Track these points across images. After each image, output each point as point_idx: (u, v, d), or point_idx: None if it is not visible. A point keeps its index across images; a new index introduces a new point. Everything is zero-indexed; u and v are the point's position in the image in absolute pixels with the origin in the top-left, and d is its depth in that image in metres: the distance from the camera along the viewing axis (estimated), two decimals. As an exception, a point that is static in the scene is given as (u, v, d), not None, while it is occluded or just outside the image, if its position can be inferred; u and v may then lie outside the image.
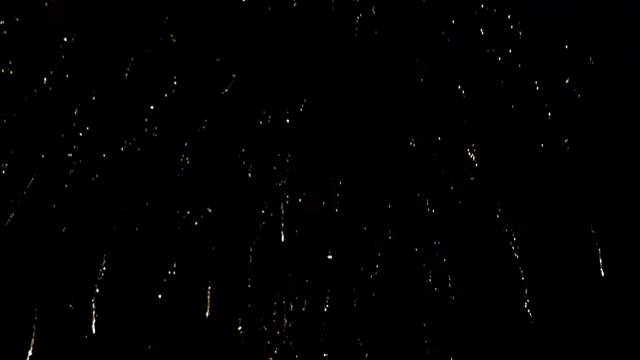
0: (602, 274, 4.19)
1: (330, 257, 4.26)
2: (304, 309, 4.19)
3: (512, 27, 4.81)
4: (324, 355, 4.13)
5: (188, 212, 4.32)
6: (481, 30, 4.81)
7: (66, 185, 4.35)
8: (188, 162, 4.44)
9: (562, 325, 4.11)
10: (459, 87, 4.64)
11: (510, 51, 4.75)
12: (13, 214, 4.26)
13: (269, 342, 4.15)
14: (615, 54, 4.73)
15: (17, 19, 4.61)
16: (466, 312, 4.17)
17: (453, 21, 4.82)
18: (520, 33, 4.79)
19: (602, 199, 4.34)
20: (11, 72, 4.53)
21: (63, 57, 4.59)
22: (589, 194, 4.36)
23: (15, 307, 4.16)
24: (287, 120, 4.56)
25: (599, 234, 4.25)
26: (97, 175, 4.37)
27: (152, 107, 4.52)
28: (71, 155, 4.40)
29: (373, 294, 4.21)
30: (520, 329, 4.13)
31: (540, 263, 4.24)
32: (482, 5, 4.84)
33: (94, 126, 4.48)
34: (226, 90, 4.53)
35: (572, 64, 4.71)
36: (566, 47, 4.73)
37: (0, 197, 4.31)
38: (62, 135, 4.44)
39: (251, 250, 4.28)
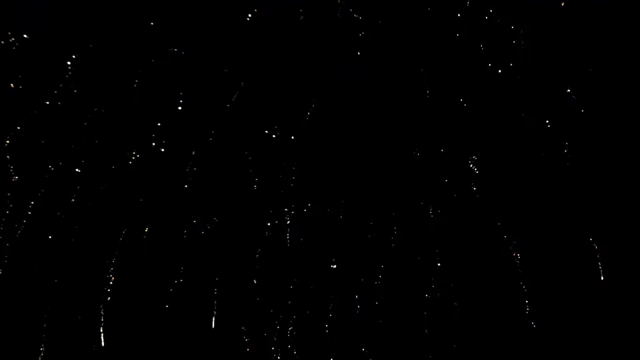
0: (602, 277, 4.24)
1: (334, 266, 4.32)
2: (308, 317, 4.25)
3: (514, 35, 4.86)
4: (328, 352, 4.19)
5: (194, 221, 4.39)
6: (484, 39, 4.86)
7: (74, 197, 4.42)
8: (195, 170, 4.50)
9: (563, 330, 4.16)
10: (461, 95, 4.70)
11: (511, 59, 4.80)
12: (22, 224, 4.33)
13: (273, 349, 4.21)
14: (614, 60, 4.78)
15: (23, 32, 4.69)
16: (468, 320, 4.22)
17: (456, 29, 4.87)
18: (522, 42, 4.84)
19: (601, 204, 4.39)
20: (20, 87, 4.60)
21: (71, 67, 4.66)
22: (588, 199, 4.41)
23: (23, 318, 4.22)
24: (293, 128, 4.62)
25: (598, 239, 4.31)
26: (104, 185, 4.43)
27: (159, 116, 4.59)
28: (79, 166, 4.46)
29: (376, 302, 4.27)
30: (522, 334, 4.18)
31: (540, 270, 4.29)
32: (485, 14, 4.89)
33: (101, 136, 4.54)
34: (234, 99, 4.59)
35: (572, 72, 4.76)
36: (566, 54, 4.78)
37: (10, 208, 4.37)
38: (70, 146, 4.50)
39: (256, 257, 4.35)
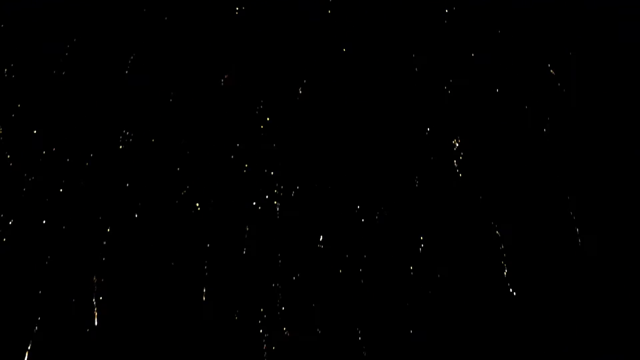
0: (579, 242, 4.35)
1: (321, 245, 4.41)
2: (297, 294, 4.34)
3: (499, 24, 4.95)
4: (317, 331, 4.27)
5: (184, 201, 4.47)
6: (469, 24, 4.95)
7: (65, 180, 4.51)
8: (187, 153, 4.59)
9: (544, 302, 4.25)
10: (446, 84, 4.79)
11: (495, 48, 4.89)
12: (14, 209, 4.42)
13: (262, 326, 4.29)
14: (596, 51, 4.88)
15: (16, 20, 4.78)
16: (451, 299, 4.31)
17: (443, 14, 4.96)
18: (506, 30, 4.93)
19: (580, 183, 4.50)
20: (13, 76, 4.70)
21: (61, 53, 4.75)
22: (566, 176, 4.51)
23: (15, 302, 4.29)
24: (282, 114, 4.71)
25: (578, 215, 4.41)
26: (93, 170, 4.52)
27: (149, 102, 4.68)
28: (68, 151, 4.55)
29: (362, 280, 4.36)
30: (504, 310, 4.27)
31: (522, 244, 4.38)
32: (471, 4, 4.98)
33: (89, 123, 4.63)
34: (224, 79, 4.68)
35: (557, 62, 4.85)
36: (550, 43, 4.88)
37: (1, 195, 4.46)
38: (57, 133, 4.60)
39: (245, 236, 4.44)
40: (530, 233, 4.41)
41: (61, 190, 4.47)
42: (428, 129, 4.67)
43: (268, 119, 4.70)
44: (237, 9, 4.96)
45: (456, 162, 4.59)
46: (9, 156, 4.51)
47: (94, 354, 4.22)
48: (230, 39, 4.89)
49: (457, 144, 4.61)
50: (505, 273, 4.33)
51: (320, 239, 4.42)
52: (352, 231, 4.45)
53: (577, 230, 4.38)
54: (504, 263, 4.34)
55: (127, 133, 4.61)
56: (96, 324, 4.27)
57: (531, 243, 4.39)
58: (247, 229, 4.45)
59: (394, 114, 4.73)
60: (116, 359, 4.19)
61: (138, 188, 4.50)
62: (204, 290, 4.32)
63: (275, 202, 4.52)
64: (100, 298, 4.28)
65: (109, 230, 4.41)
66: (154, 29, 4.86)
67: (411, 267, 4.37)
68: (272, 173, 4.58)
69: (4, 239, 4.37)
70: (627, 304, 4.21)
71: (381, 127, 4.69)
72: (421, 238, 4.42)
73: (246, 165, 4.60)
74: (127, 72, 4.73)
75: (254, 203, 4.52)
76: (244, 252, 4.41)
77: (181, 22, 4.90)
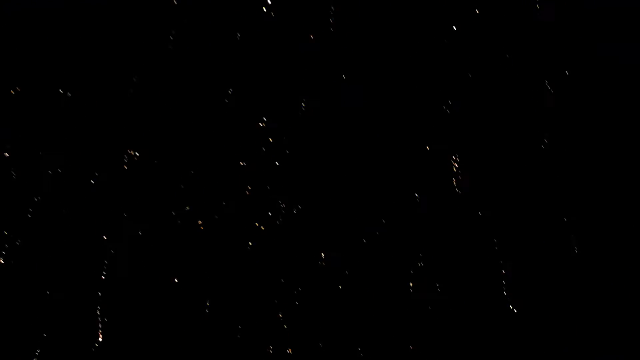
0: (576, 250, 4.39)
1: (322, 260, 4.47)
2: (298, 308, 4.39)
3: (496, 28, 5.01)
4: (319, 344, 4.31)
5: (188, 214, 4.54)
6: (470, 40, 5.02)
7: (71, 196, 4.58)
8: (192, 169, 4.66)
9: (543, 314, 4.30)
10: (446, 89, 4.85)
11: (493, 52, 4.96)
12: (21, 222, 4.48)
13: (264, 339, 4.34)
14: (593, 55, 4.92)
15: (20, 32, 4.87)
16: (451, 311, 4.36)
17: (444, 33, 5.02)
18: (505, 34, 4.99)
19: (578, 191, 4.55)
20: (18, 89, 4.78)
21: (65, 61, 4.82)
22: (564, 186, 4.57)
23: (21, 315, 4.34)
24: (285, 124, 4.76)
25: (574, 223, 4.46)
26: (99, 181, 4.59)
27: (155, 117, 4.75)
28: (73, 162, 4.62)
29: (362, 297, 4.41)
30: (504, 310, 4.31)
31: (519, 256, 4.43)
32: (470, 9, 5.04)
33: (96, 132, 4.70)
34: (229, 92, 4.74)
35: (553, 65, 4.91)
36: (547, 47, 4.93)
37: (6, 204, 4.53)
38: (63, 141, 4.66)
39: (248, 248, 4.49)
40: (529, 234, 4.44)
41: (64, 211, 4.54)
42: (427, 147, 4.74)
43: (270, 139, 4.77)
44: (237, 29, 5.03)
45: (455, 180, 4.66)
46: (9, 157, 4.57)
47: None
48: (232, 58, 4.96)
49: (456, 163, 4.68)
50: (504, 273, 4.36)
51: (322, 256, 4.49)
52: (353, 249, 4.51)
53: (576, 233, 4.42)
54: (503, 263, 4.38)
55: (133, 153, 4.68)
56: (100, 339, 4.32)
57: (530, 244, 4.42)
58: (250, 244, 4.52)
59: (394, 133, 4.80)
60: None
61: (142, 206, 4.57)
62: (207, 306, 4.37)
63: (277, 222, 4.58)
64: (105, 319, 4.33)
65: (112, 249, 4.48)
66: (157, 41, 4.91)
67: (410, 285, 4.42)
68: (274, 190, 4.64)
69: (10, 252, 4.44)
70: (626, 304, 4.24)
71: (381, 146, 4.76)
72: (420, 255, 4.48)
73: (249, 187, 4.66)
74: (130, 89, 4.80)
75: (256, 224, 4.58)
76: (247, 270, 4.47)
77: (183, 37, 4.97)
